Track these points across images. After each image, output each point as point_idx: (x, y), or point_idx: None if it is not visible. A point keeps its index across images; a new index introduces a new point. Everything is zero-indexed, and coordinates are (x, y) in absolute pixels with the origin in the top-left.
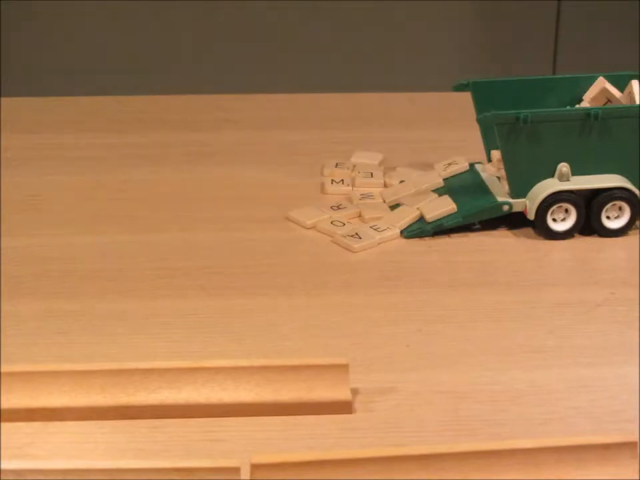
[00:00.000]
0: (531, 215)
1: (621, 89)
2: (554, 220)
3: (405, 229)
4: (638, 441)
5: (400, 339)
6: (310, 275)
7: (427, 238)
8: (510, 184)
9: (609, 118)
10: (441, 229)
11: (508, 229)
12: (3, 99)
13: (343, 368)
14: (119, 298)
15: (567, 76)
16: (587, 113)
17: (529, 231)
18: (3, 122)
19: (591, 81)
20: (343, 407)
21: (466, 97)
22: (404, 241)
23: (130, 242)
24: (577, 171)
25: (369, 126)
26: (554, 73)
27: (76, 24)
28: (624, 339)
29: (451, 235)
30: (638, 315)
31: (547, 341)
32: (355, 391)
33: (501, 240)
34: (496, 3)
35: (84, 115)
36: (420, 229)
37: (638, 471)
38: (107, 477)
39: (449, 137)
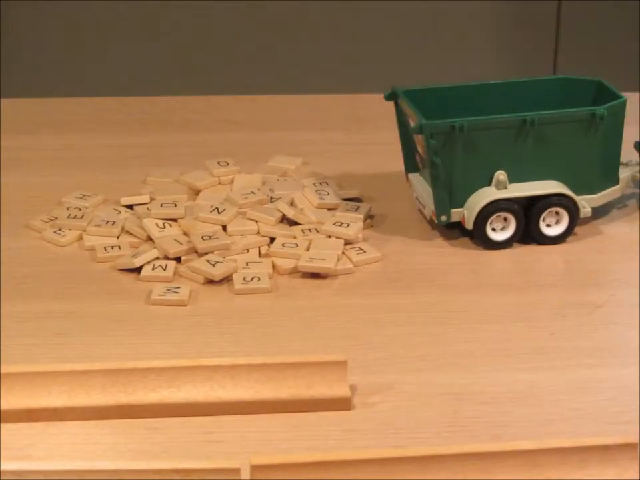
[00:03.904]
0: (469, 225)
1: (583, 92)
2: (493, 229)
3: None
4: (638, 442)
5: (400, 341)
6: (313, 277)
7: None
8: (445, 194)
9: (544, 124)
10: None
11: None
12: (2, 99)
13: (342, 365)
14: (118, 299)
15: (493, 82)
16: (523, 119)
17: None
18: (3, 122)
19: (519, 85)
20: (342, 404)
21: None
22: (405, 242)
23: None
24: (513, 177)
25: (369, 126)
26: (554, 73)
27: (76, 24)
28: (624, 341)
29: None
30: (638, 316)
31: (548, 343)
32: (355, 392)
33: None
34: (496, 3)
35: (84, 115)
36: None
37: (638, 472)
38: (106, 477)
39: None
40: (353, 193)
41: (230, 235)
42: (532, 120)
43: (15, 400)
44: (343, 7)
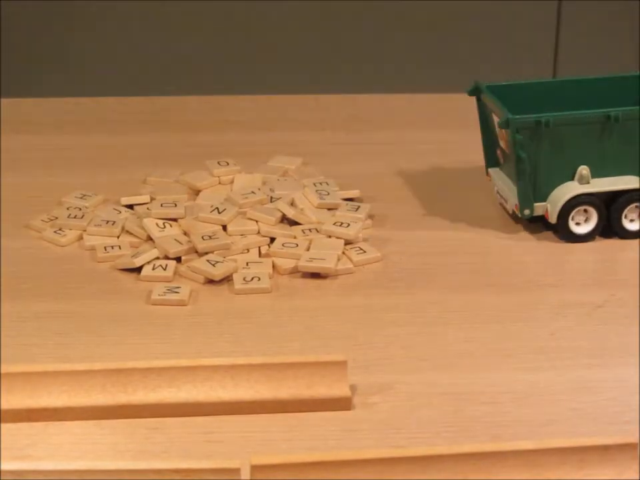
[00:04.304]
0: (553, 219)
1: (625, 90)
2: (576, 224)
3: None
4: (638, 442)
5: (400, 341)
6: (313, 277)
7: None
8: (529, 188)
9: (628, 119)
10: None
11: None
12: (2, 99)
13: (342, 364)
14: (118, 299)
15: (574, 78)
16: (608, 115)
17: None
18: (3, 122)
19: (598, 81)
20: (342, 404)
21: (458, 98)
22: (405, 242)
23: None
24: (595, 173)
25: (369, 126)
26: (554, 74)
27: (76, 24)
28: (624, 341)
29: None
30: (638, 316)
31: (548, 343)
32: (355, 392)
33: (503, 242)
34: (496, 3)
35: (84, 115)
36: None
37: (638, 472)
38: (106, 477)
39: (447, 138)
40: (353, 193)
41: (230, 235)
42: (616, 116)
43: (15, 400)
44: (343, 7)
